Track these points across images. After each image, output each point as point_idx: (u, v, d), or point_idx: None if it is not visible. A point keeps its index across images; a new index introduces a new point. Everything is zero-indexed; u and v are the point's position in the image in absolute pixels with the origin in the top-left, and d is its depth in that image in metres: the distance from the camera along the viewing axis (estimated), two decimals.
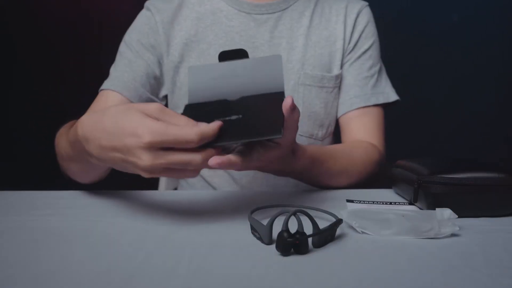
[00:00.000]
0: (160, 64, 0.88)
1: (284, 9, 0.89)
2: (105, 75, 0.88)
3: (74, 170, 0.69)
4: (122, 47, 0.89)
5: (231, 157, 0.51)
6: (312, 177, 0.72)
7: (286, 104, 0.51)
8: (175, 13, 0.88)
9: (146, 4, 0.90)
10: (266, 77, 0.58)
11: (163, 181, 1.08)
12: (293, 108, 0.52)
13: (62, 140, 0.66)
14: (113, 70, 0.88)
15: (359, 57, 0.90)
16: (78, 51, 1.67)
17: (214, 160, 0.49)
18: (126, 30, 0.90)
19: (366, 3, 0.94)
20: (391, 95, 0.91)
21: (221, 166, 0.49)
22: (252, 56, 0.61)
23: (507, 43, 1.76)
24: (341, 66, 0.90)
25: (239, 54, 0.60)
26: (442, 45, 1.75)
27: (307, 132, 0.89)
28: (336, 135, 0.95)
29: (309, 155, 0.67)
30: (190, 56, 0.86)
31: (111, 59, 0.89)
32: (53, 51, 1.73)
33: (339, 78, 0.90)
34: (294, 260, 0.45)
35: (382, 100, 0.89)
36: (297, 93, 0.87)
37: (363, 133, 0.88)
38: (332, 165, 0.73)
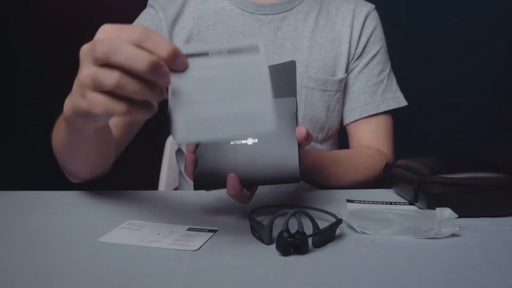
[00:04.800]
0: None
1: (289, 10, 0.87)
2: None
3: (71, 159, 0.66)
4: None
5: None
6: (312, 180, 0.72)
7: (300, 135, 0.54)
8: (179, 12, 0.86)
9: (150, 1, 0.89)
10: (279, 84, 0.58)
11: (163, 181, 1.08)
12: (307, 137, 0.54)
13: (56, 130, 0.65)
14: None
15: (368, 63, 0.88)
16: (78, 51, 1.67)
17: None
18: None
19: (373, 6, 0.92)
20: (401, 100, 0.89)
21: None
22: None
23: (507, 43, 1.76)
24: (346, 70, 0.88)
25: (288, 66, 0.61)
26: (442, 46, 1.75)
27: None
28: (342, 141, 0.95)
29: (310, 160, 0.67)
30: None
31: None
32: (53, 51, 1.73)
33: (343, 82, 0.88)
34: (294, 260, 0.45)
35: (392, 105, 0.88)
36: (300, 96, 0.86)
37: (371, 139, 0.87)
38: (334, 171, 0.73)
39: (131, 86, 0.38)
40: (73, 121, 0.49)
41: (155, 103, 0.41)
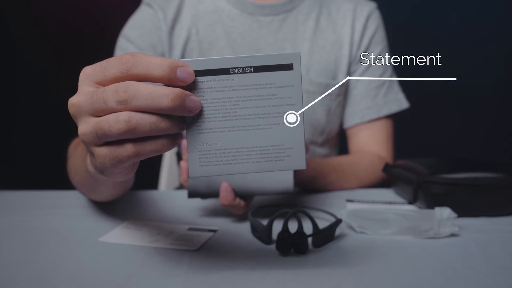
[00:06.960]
0: None
1: (289, 11, 0.84)
2: None
3: (93, 195, 0.61)
4: (122, 43, 0.83)
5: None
6: (313, 188, 0.72)
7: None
8: (177, 11, 0.83)
9: (146, 0, 0.85)
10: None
11: (163, 181, 1.08)
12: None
13: (73, 160, 0.60)
14: None
15: (370, 65, 0.86)
16: (79, 51, 1.67)
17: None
18: None
19: (375, 5, 0.89)
20: (403, 102, 0.88)
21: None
22: None
23: (507, 43, 1.76)
24: (347, 73, 0.86)
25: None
26: (442, 46, 1.75)
27: (307, 139, 0.86)
28: (342, 144, 0.94)
29: (312, 168, 0.67)
30: (191, 56, 0.83)
31: None
32: (53, 51, 1.73)
33: (344, 86, 0.86)
34: (294, 260, 0.45)
35: (394, 109, 0.86)
36: None
37: (371, 144, 0.86)
38: (335, 179, 0.73)
39: (144, 127, 0.32)
40: (97, 176, 0.44)
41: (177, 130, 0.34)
